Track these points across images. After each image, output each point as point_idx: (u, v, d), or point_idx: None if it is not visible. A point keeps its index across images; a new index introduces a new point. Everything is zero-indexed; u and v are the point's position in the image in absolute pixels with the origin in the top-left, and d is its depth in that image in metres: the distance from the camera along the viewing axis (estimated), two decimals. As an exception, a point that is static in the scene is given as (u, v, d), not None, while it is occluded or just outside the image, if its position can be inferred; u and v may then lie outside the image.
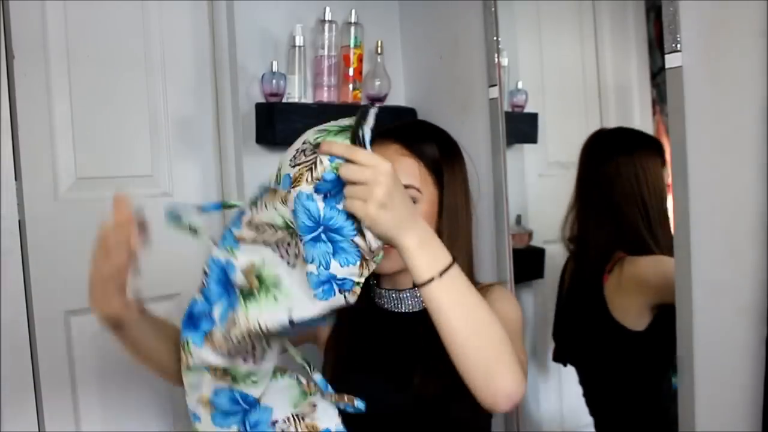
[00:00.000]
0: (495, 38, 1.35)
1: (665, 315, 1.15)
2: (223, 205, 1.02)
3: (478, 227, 1.42)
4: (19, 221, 1.20)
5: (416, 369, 0.99)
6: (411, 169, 1.00)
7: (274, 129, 1.36)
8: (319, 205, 0.77)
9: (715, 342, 0.98)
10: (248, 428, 0.89)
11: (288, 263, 0.84)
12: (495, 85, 1.36)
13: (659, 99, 1.26)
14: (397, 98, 1.60)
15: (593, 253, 1.28)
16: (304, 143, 0.81)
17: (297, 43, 1.40)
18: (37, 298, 1.21)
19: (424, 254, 0.78)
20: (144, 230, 0.91)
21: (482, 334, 0.80)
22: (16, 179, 1.20)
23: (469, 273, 1.05)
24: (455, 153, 1.07)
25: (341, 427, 0.90)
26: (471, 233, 1.07)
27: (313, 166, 0.77)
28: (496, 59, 1.36)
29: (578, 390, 1.36)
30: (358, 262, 0.78)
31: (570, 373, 1.38)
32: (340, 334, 1.08)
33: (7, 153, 1.18)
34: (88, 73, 1.28)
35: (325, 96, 1.44)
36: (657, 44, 1.18)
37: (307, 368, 0.93)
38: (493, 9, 1.35)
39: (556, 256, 1.41)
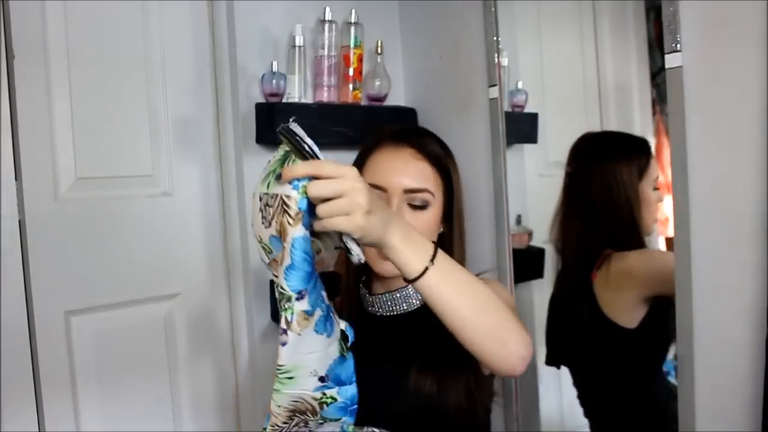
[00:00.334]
0: (495, 38, 1.35)
1: (656, 311, 1.16)
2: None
3: (478, 227, 1.42)
4: (19, 221, 1.20)
5: (412, 366, 0.99)
6: (425, 173, 1.03)
7: (274, 129, 1.35)
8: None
9: (715, 342, 0.98)
10: None
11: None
12: (495, 85, 1.36)
13: (659, 99, 1.26)
14: (397, 98, 1.60)
15: (581, 251, 1.30)
16: (260, 200, 0.76)
17: (297, 43, 1.40)
18: (37, 298, 1.21)
19: (411, 246, 0.77)
20: None
21: (484, 306, 0.81)
22: (16, 179, 1.20)
23: (464, 261, 1.09)
24: (454, 159, 1.09)
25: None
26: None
27: (284, 206, 0.72)
28: (496, 59, 1.36)
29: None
30: None
31: (569, 374, 1.38)
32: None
33: (7, 153, 1.18)
34: (88, 73, 1.28)
35: (325, 96, 1.44)
36: (657, 44, 1.18)
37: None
38: (493, 9, 1.35)
39: (557, 256, 1.41)
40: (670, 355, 1.13)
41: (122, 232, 1.33)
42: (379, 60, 1.50)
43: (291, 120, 0.77)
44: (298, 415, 0.86)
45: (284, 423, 0.86)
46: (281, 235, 0.74)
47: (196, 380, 1.44)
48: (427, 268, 0.77)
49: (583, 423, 1.34)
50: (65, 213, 1.26)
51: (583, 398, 1.34)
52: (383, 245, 0.76)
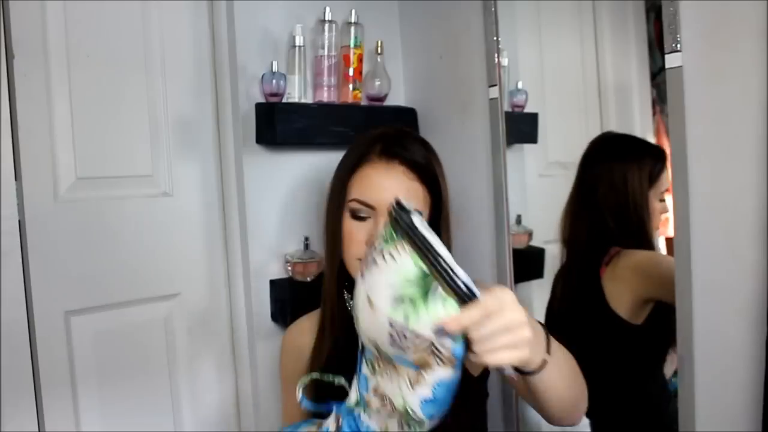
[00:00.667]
0: (495, 38, 1.35)
1: (662, 310, 1.16)
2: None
3: (478, 227, 1.42)
4: (19, 221, 1.20)
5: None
6: (416, 193, 1.02)
7: (274, 129, 1.36)
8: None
9: (715, 342, 0.98)
10: None
11: None
12: (495, 85, 1.36)
13: (659, 99, 1.26)
14: (397, 98, 1.60)
15: (589, 246, 1.30)
16: (389, 325, 0.66)
17: (297, 43, 1.40)
18: (37, 298, 1.21)
19: (535, 342, 0.70)
20: None
21: (573, 379, 0.82)
22: (16, 179, 1.20)
23: None
24: (439, 161, 1.09)
25: None
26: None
27: (434, 349, 0.65)
28: (496, 59, 1.36)
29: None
30: None
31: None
32: (326, 347, 1.08)
33: (7, 153, 1.18)
34: (88, 73, 1.28)
35: (325, 96, 1.44)
36: (657, 44, 1.18)
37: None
38: (493, 9, 1.35)
39: (556, 256, 1.41)
40: (674, 367, 1.13)
41: (122, 232, 1.33)
42: (379, 60, 1.50)
43: (412, 212, 0.68)
44: None
45: None
46: (420, 366, 0.67)
47: (196, 380, 1.44)
48: (545, 361, 0.74)
49: (584, 423, 1.34)
50: (65, 213, 1.26)
51: None
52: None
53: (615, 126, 1.39)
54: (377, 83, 1.50)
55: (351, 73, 1.45)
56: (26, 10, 1.20)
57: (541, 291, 1.44)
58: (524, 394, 0.92)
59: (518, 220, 1.43)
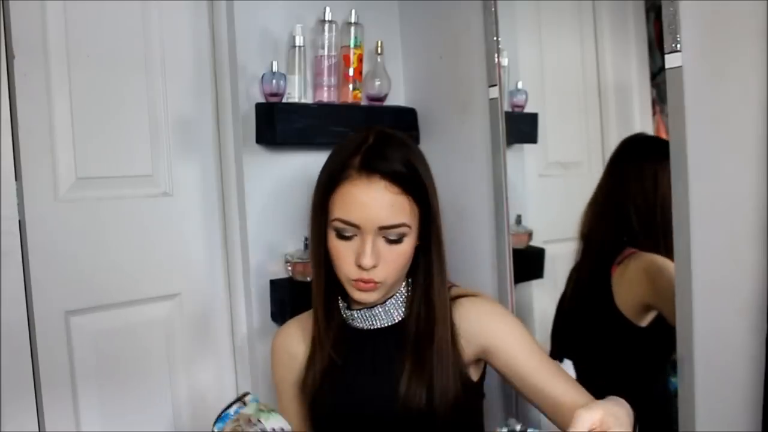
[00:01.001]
0: (495, 38, 1.35)
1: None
2: None
3: (478, 227, 1.42)
4: (19, 221, 1.20)
5: (401, 378, 1.00)
6: (401, 206, 0.97)
7: (274, 129, 1.36)
8: None
9: (715, 342, 0.98)
10: None
11: None
12: (495, 85, 1.36)
13: (659, 99, 1.26)
14: (397, 98, 1.60)
15: (605, 244, 1.29)
16: None
17: (297, 43, 1.40)
18: (37, 298, 1.21)
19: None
20: None
21: None
22: (16, 179, 1.20)
23: (444, 280, 1.05)
24: (425, 165, 1.03)
25: None
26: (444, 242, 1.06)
27: None
28: (496, 59, 1.36)
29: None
30: None
31: (570, 372, 1.38)
32: (320, 357, 1.07)
33: (7, 153, 1.18)
34: (88, 73, 1.28)
35: (325, 96, 1.44)
36: (657, 44, 1.18)
37: None
38: (493, 9, 1.35)
39: (556, 256, 1.41)
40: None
41: (122, 232, 1.33)
42: (379, 60, 1.50)
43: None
44: None
45: None
46: None
47: (196, 380, 1.44)
48: None
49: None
50: (65, 213, 1.26)
51: None
52: None
53: (615, 126, 1.39)
54: (377, 83, 1.50)
55: (351, 73, 1.45)
56: (26, 10, 1.20)
57: (541, 291, 1.44)
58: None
59: (518, 220, 1.43)
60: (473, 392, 1.07)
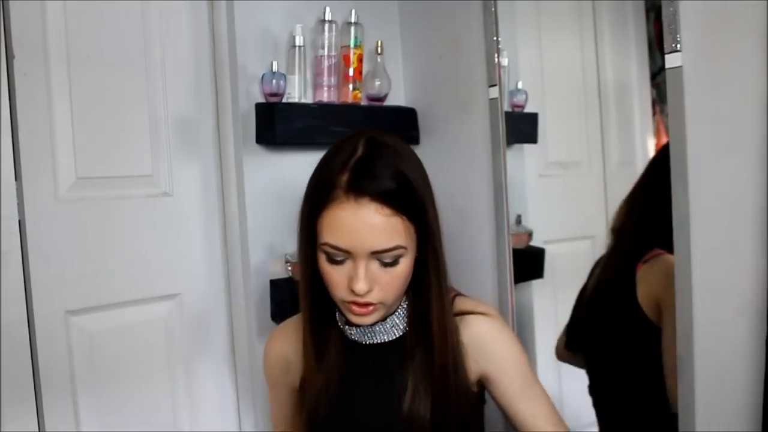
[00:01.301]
0: (495, 38, 1.35)
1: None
2: None
3: (478, 227, 1.42)
4: (19, 221, 1.20)
5: (404, 393, 0.99)
6: (394, 228, 0.90)
7: (274, 129, 1.36)
8: None
9: (715, 342, 0.98)
10: None
11: None
12: (495, 85, 1.36)
13: (659, 99, 1.26)
14: (397, 98, 1.60)
15: (635, 241, 1.28)
16: None
17: (297, 43, 1.40)
18: (37, 298, 1.21)
19: None
20: None
21: None
22: (16, 179, 1.20)
23: (444, 294, 1.01)
24: (421, 174, 0.97)
25: None
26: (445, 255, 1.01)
27: None
28: (496, 59, 1.36)
29: (578, 390, 1.36)
30: None
31: (570, 372, 1.38)
32: (319, 370, 1.04)
33: (7, 153, 1.18)
34: (88, 73, 1.28)
35: (325, 96, 1.44)
36: (657, 44, 1.18)
37: None
38: (493, 9, 1.35)
39: (556, 256, 1.41)
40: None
41: (122, 232, 1.33)
42: (379, 60, 1.50)
43: None
44: None
45: None
46: None
47: (196, 380, 1.45)
48: None
49: (585, 423, 1.34)
50: (65, 213, 1.26)
51: (594, 388, 1.34)
52: None
53: (615, 126, 1.39)
54: (377, 83, 1.50)
55: (351, 73, 1.45)
56: (26, 10, 1.20)
57: (541, 291, 1.44)
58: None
59: (518, 220, 1.43)
60: (475, 401, 1.07)
